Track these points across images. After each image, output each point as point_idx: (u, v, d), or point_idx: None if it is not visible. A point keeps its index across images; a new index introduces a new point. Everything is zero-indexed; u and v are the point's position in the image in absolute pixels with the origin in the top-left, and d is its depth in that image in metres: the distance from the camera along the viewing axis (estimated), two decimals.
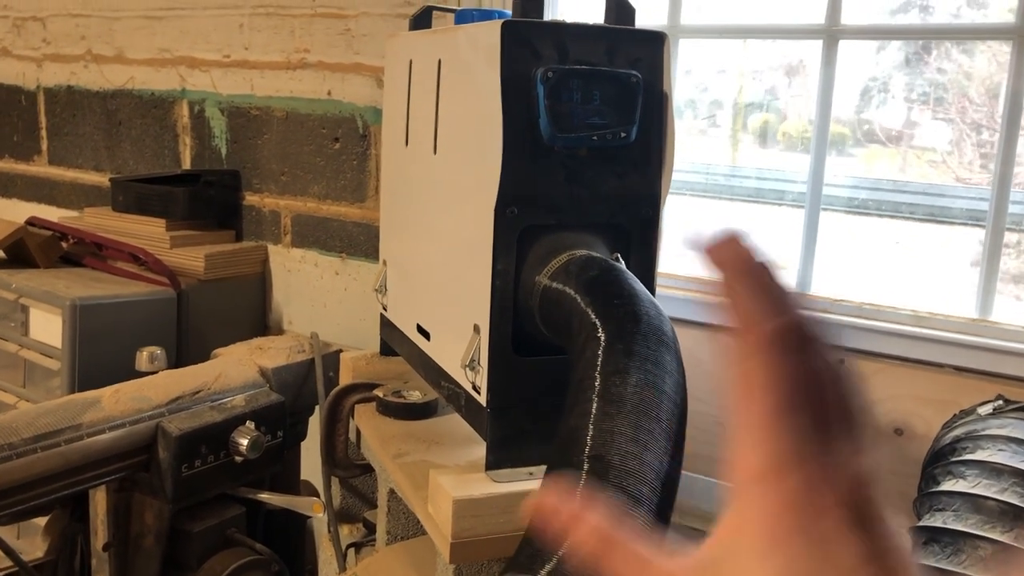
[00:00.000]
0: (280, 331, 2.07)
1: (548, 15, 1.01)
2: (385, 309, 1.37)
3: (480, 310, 0.96)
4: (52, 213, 2.44)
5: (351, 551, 1.34)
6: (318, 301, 2.02)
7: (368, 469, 1.29)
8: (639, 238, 1.00)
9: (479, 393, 0.98)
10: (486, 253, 0.95)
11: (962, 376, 1.37)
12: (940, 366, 1.39)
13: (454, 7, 1.53)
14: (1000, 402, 1.22)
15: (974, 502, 1.05)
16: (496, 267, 0.94)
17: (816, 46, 1.53)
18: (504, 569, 0.65)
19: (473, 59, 1.01)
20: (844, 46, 1.51)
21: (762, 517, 0.26)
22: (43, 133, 2.57)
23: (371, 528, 1.33)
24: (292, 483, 1.62)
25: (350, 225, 1.96)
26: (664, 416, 0.73)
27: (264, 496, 1.44)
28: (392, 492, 1.15)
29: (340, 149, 1.95)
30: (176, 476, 1.30)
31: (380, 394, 1.22)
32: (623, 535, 0.29)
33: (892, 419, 1.43)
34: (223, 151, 2.15)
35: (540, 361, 0.97)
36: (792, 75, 2.35)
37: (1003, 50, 1.74)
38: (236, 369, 1.47)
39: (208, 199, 2.05)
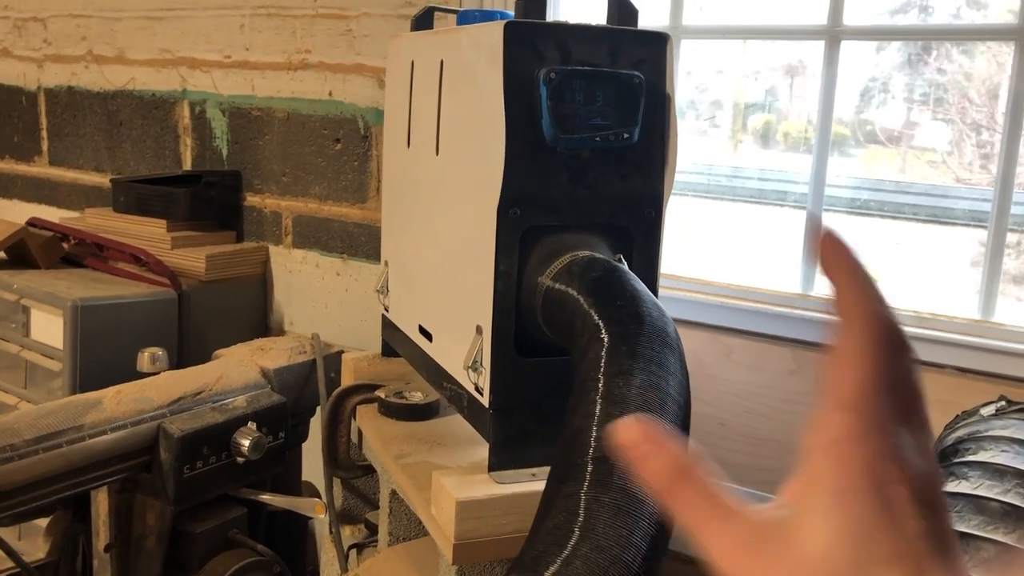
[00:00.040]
0: (281, 332, 2.07)
1: (550, 16, 1.00)
2: (387, 310, 1.37)
3: (483, 311, 0.96)
4: (53, 214, 2.44)
5: (353, 552, 1.34)
6: (319, 302, 2.02)
7: (370, 470, 1.29)
8: (642, 239, 1.00)
9: (481, 394, 0.98)
10: (488, 254, 0.95)
11: (964, 377, 1.37)
12: (942, 367, 1.39)
13: (456, 8, 1.53)
14: (1003, 403, 1.22)
15: (977, 503, 1.04)
16: (499, 268, 0.94)
17: (816, 47, 1.53)
18: (508, 570, 0.65)
19: (475, 60, 1.01)
20: (844, 46, 1.51)
21: (832, 477, 0.29)
22: (44, 134, 2.57)
23: (373, 529, 1.33)
24: (294, 484, 1.62)
25: (351, 226, 1.95)
26: (668, 418, 0.73)
27: (266, 497, 1.44)
28: (394, 493, 1.15)
29: (341, 150, 1.95)
30: (178, 477, 1.30)
31: (382, 395, 1.22)
32: (699, 471, 0.31)
33: None
34: (224, 152, 2.15)
35: (543, 362, 0.97)
36: (792, 76, 2.35)
37: (1003, 51, 1.74)
38: (237, 370, 1.47)
39: (209, 200, 2.05)
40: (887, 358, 0.30)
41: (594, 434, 0.71)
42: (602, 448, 0.69)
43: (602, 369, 0.76)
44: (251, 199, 2.11)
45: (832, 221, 1.62)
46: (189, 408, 1.36)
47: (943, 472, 1.13)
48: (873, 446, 0.29)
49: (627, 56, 0.96)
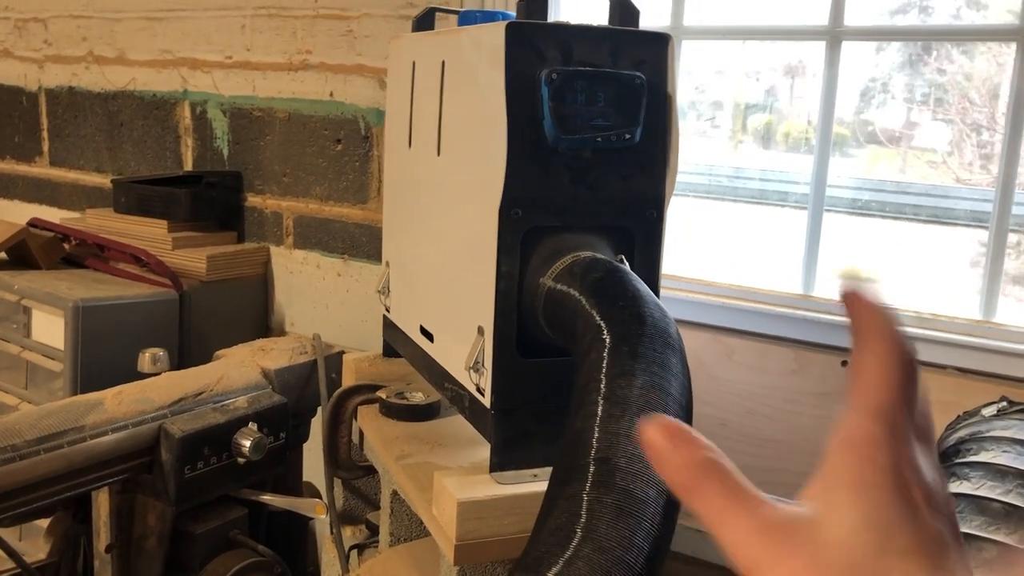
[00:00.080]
0: (282, 332, 2.07)
1: (551, 17, 1.00)
2: (388, 310, 1.37)
3: (484, 312, 0.96)
4: (54, 214, 2.44)
5: (354, 553, 1.34)
6: (320, 302, 2.02)
7: (371, 471, 1.29)
8: (643, 240, 1.00)
9: (483, 395, 0.98)
10: (490, 255, 0.94)
11: (965, 377, 1.37)
12: (943, 367, 1.39)
13: (457, 9, 1.53)
14: (1004, 403, 1.22)
15: (978, 504, 1.04)
16: (500, 269, 0.94)
17: (817, 47, 1.53)
18: (510, 571, 0.65)
19: (477, 61, 1.01)
20: (845, 47, 1.51)
21: (856, 473, 0.31)
22: (44, 134, 2.57)
23: (374, 530, 1.33)
24: (295, 485, 1.62)
25: (352, 226, 1.95)
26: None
27: (266, 498, 1.44)
28: (395, 494, 1.15)
29: (342, 150, 1.95)
30: (179, 478, 1.30)
31: (383, 396, 1.22)
32: (720, 467, 0.32)
33: None
34: (225, 152, 2.15)
35: (544, 363, 0.96)
36: (792, 76, 2.35)
37: (1003, 51, 1.74)
38: (238, 371, 1.47)
39: (210, 200, 2.05)
40: (906, 378, 0.32)
41: (596, 435, 0.71)
42: (604, 449, 0.69)
43: (604, 370, 0.76)
44: (252, 200, 2.11)
45: (834, 221, 1.62)
46: (190, 409, 1.36)
47: (945, 472, 1.12)
48: (895, 451, 0.31)
49: (628, 56, 0.96)
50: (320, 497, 1.52)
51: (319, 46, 1.96)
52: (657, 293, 0.97)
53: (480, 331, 0.97)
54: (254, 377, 1.47)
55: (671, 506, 0.67)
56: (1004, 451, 1.09)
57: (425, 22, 1.31)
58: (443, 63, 1.11)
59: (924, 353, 1.40)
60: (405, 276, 1.30)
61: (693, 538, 1.53)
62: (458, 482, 0.94)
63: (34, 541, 1.52)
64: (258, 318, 2.08)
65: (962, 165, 2.45)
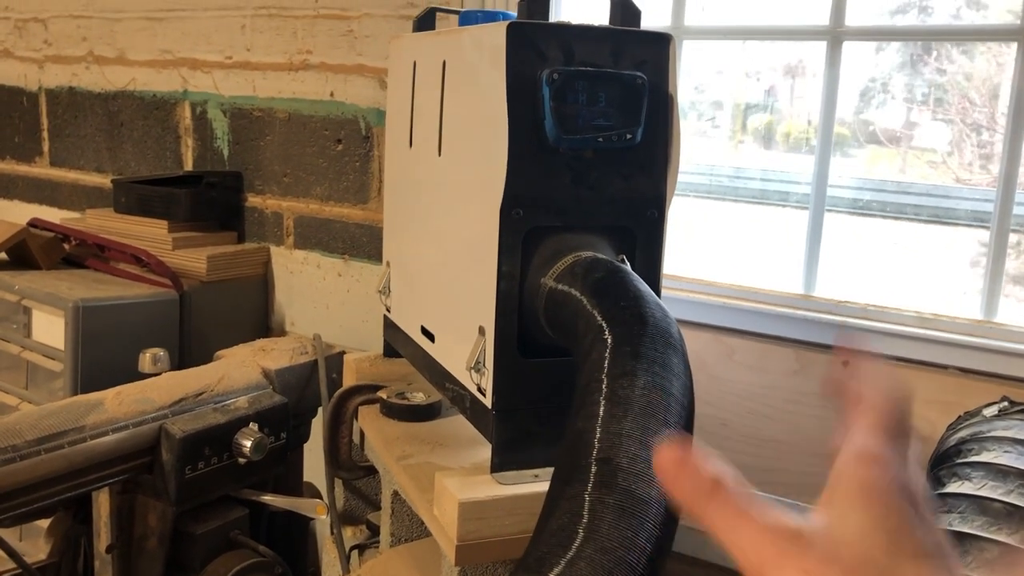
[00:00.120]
0: (282, 333, 2.07)
1: (552, 17, 1.00)
2: (388, 311, 1.37)
3: (485, 312, 0.96)
4: (54, 215, 2.44)
5: (354, 553, 1.34)
6: (320, 303, 2.02)
7: (372, 471, 1.29)
8: (644, 240, 0.99)
9: (484, 395, 0.97)
10: (491, 255, 0.94)
11: (967, 378, 1.37)
12: (944, 367, 1.39)
13: (458, 9, 1.53)
14: (1005, 403, 1.22)
15: (980, 504, 1.04)
16: (501, 269, 0.94)
17: (818, 47, 1.53)
18: (512, 572, 0.65)
19: (478, 61, 1.00)
20: (846, 47, 1.51)
21: (866, 484, 0.33)
22: (45, 134, 2.57)
23: (375, 530, 1.33)
24: (295, 485, 1.62)
25: (352, 227, 1.95)
26: (672, 419, 0.73)
27: (267, 498, 1.44)
28: (396, 494, 1.15)
29: (343, 151, 1.95)
30: (179, 478, 1.30)
31: (384, 396, 1.22)
32: (728, 487, 0.34)
33: None
34: (225, 152, 2.15)
35: (545, 363, 0.96)
36: (792, 76, 2.35)
37: (1003, 51, 1.74)
38: (239, 371, 1.46)
39: (210, 201, 2.05)
40: (899, 418, 0.36)
41: (598, 435, 0.71)
42: (606, 449, 0.69)
43: (605, 370, 0.76)
44: (252, 200, 2.11)
45: (835, 221, 1.61)
46: (191, 409, 1.36)
47: (946, 472, 1.12)
48: (900, 464, 0.34)
49: (630, 57, 0.96)
50: (321, 497, 1.52)
51: (319, 46, 1.96)
52: (658, 293, 0.97)
53: (481, 331, 0.97)
54: (255, 377, 1.47)
55: (674, 507, 0.67)
56: (1006, 451, 1.09)
57: (426, 22, 1.31)
58: (444, 63, 1.10)
59: (925, 353, 1.40)
60: (406, 276, 1.30)
61: (695, 539, 1.53)
62: (459, 482, 0.94)
63: (34, 541, 1.52)
64: (258, 318, 2.08)
65: (962, 165, 2.45)
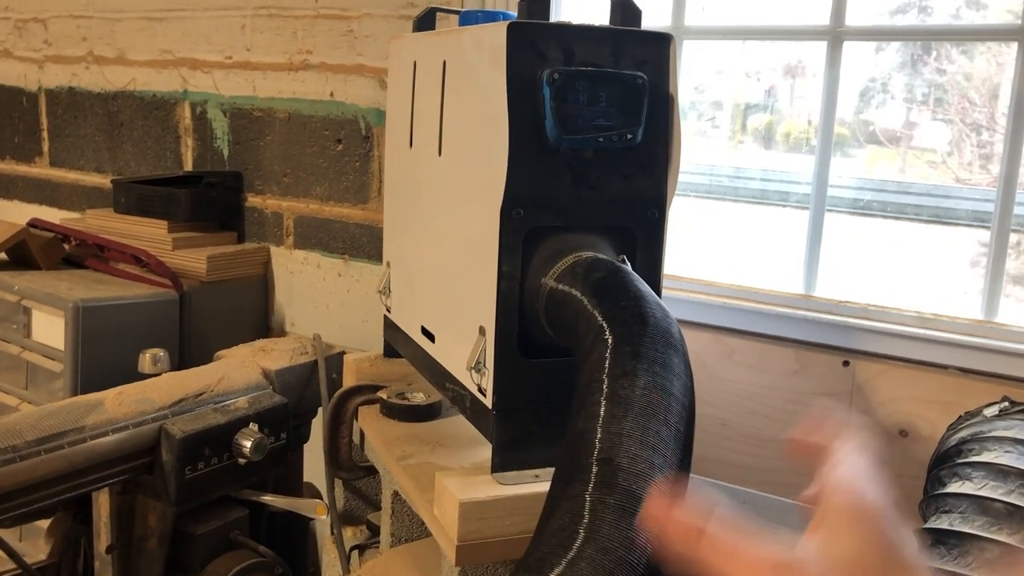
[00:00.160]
0: (282, 333, 2.07)
1: (553, 17, 1.00)
2: (389, 311, 1.37)
3: (486, 312, 0.96)
4: (53, 215, 2.44)
5: (355, 553, 1.34)
6: (320, 303, 2.02)
7: (372, 471, 1.29)
8: (645, 240, 0.99)
9: (484, 395, 0.97)
10: (492, 255, 0.94)
11: (967, 378, 1.37)
12: (945, 367, 1.39)
13: (458, 9, 1.53)
14: (1006, 404, 1.22)
15: (980, 504, 1.04)
16: (502, 269, 0.94)
17: (818, 47, 1.53)
18: (512, 572, 0.65)
19: (478, 61, 1.00)
20: (846, 47, 1.51)
21: (855, 506, 0.36)
22: (44, 135, 2.57)
23: (375, 530, 1.33)
24: (295, 485, 1.62)
25: (352, 227, 1.95)
26: (672, 419, 0.73)
27: (267, 498, 1.44)
28: (396, 494, 1.15)
29: (343, 151, 1.95)
30: (179, 478, 1.30)
31: (384, 396, 1.22)
32: (713, 527, 0.36)
33: (897, 421, 1.43)
34: (225, 152, 2.15)
35: (546, 363, 0.96)
36: (793, 76, 2.35)
37: (1003, 51, 1.74)
38: (239, 371, 1.46)
39: (210, 201, 2.05)
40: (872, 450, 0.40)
41: (598, 435, 0.71)
42: (606, 449, 0.69)
43: (606, 370, 0.76)
44: (252, 200, 2.11)
45: (835, 221, 1.61)
46: (191, 409, 1.35)
47: (947, 472, 1.12)
48: (882, 492, 0.37)
49: (630, 56, 0.96)
50: (321, 498, 1.51)
51: (319, 46, 1.96)
52: (659, 293, 0.97)
53: (481, 331, 0.97)
54: (255, 378, 1.47)
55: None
56: (1006, 451, 1.09)
57: (426, 22, 1.31)
58: (444, 63, 1.10)
59: (926, 353, 1.40)
60: (406, 276, 1.30)
61: None
62: (460, 483, 0.94)
63: (34, 542, 1.52)
64: (258, 318, 2.08)
65: (962, 165, 2.45)
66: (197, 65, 2.17)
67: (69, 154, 2.51)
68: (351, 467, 1.30)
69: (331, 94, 1.95)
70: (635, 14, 1.00)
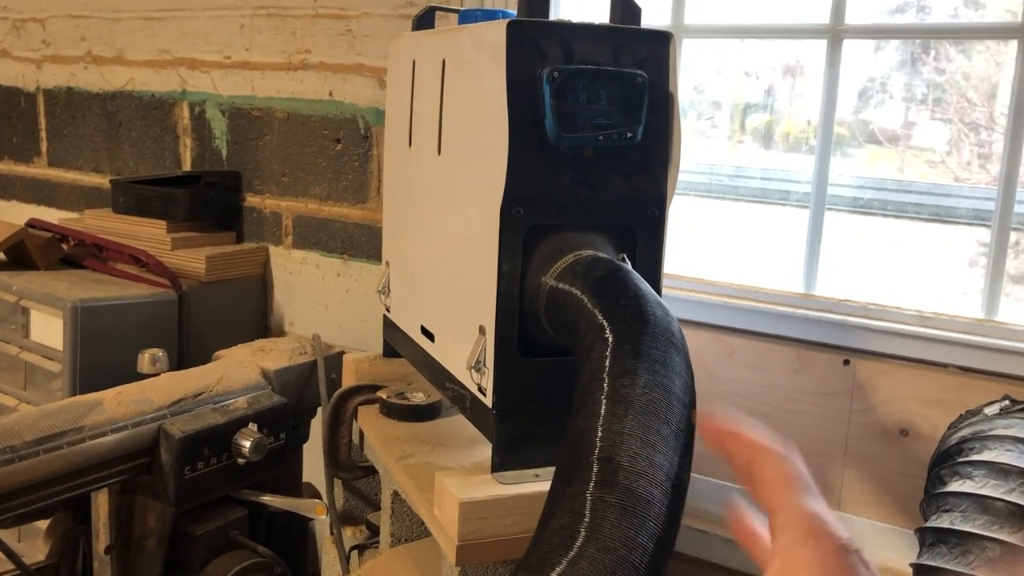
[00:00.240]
0: (281, 333, 2.07)
1: (553, 15, 1.00)
2: (388, 311, 1.37)
3: (485, 311, 0.96)
4: (52, 215, 2.44)
5: (354, 553, 1.34)
6: (319, 303, 2.02)
7: (371, 471, 1.28)
8: (645, 238, 0.99)
9: (484, 395, 0.97)
10: (491, 254, 0.94)
11: (968, 376, 1.37)
12: (945, 366, 1.39)
13: (457, 7, 1.53)
14: (1007, 402, 1.22)
15: (981, 503, 1.04)
16: (502, 268, 0.94)
17: (816, 47, 1.53)
18: (513, 572, 0.65)
19: (478, 59, 1.00)
20: (846, 46, 1.51)
21: (814, 554, 0.39)
22: (43, 135, 2.57)
23: (374, 530, 1.33)
24: (295, 485, 1.62)
25: (352, 226, 1.95)
26: (673, 418, 0.72)
27: (267, 498, 1.43)
28: (396, 494, 1.15)
29: (342, 150, 1.95)
30: (178, 478, 1.29)
31: (383, 396, 1.21)
32: (776, 452, 0.43)
33: (897, 420, 1.43)
34: (224, 152, 2.14)
35: (546, 362, 0.96)
36: (792, 76, 2.35)
37: (1002, 50, 1.74)
38: (238, 371, 1.46)
39: (209, 200, 2.05)
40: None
41: (599, 434, 0.70)
42: (607, 448, 0.69)
43: (606, 369, 0.76)
44: (251, 200, 2.11)
45: (835, 220, 1.61)
46: (190, 409, 1.35)
47: (947, 471, 1.12)
48: (833, 522, 0.40)
49: (630, 55, 0.96)
50: (320, 498, 1.51)
51: (318, 46, 1.95)
52: (659, 292, 0.97)
53: (481, 331, 0.97)
54: (254, 377, 1.47)
55: (675, 505, 0.67)
56: (1007, 450, 1.09)
57: (425, 21, 1.31)
58: (443, 62, 1.10)
59: (926, 352, 1.40)
60: (405, 276, 1.30)
61: (696, 538, 1.53)
62: (460, 482, 0.94)
63: (33, 542, 1.51)
64: (257, 318, 2.07)
65: (960, 164, 2.45)
66: (196, 65, 2.17)
67: (67, 154, 2.50)
68: (350, 467, 1.29)
69: (330, 94, 1.94)
70: (635, 12, 1.00)
